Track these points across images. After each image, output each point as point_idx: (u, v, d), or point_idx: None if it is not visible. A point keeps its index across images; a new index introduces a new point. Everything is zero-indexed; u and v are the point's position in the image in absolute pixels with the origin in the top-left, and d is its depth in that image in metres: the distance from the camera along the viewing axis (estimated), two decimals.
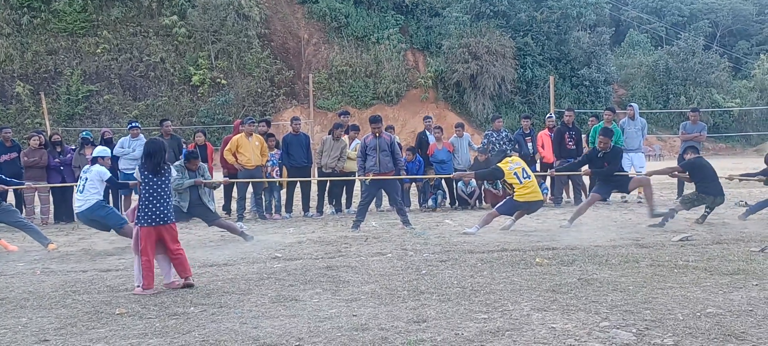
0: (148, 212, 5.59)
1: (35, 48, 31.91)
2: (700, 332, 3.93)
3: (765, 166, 9.61)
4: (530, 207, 8.83)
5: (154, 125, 20.91)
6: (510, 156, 9.17)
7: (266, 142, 11.27)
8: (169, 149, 11.13)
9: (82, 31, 32.89)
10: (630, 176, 9.90)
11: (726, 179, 10.41)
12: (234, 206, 11.52)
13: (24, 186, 10.16)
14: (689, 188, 10.03)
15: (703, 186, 9.04)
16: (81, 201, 7.99)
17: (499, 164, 8.87)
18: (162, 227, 5.62)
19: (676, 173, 9.79)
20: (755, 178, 9.67)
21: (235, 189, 11.50)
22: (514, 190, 8.67)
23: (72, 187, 11.48)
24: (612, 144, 9.43)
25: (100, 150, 8.43)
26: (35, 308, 5.10)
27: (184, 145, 12.20)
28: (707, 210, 9.14)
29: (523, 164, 8.93)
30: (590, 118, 13.91)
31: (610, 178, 9.28)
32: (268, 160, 11.28)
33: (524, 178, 8.67)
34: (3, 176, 9.32)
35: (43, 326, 4.55)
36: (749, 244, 7.10)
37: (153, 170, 5.65)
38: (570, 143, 12.09)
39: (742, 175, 10.06)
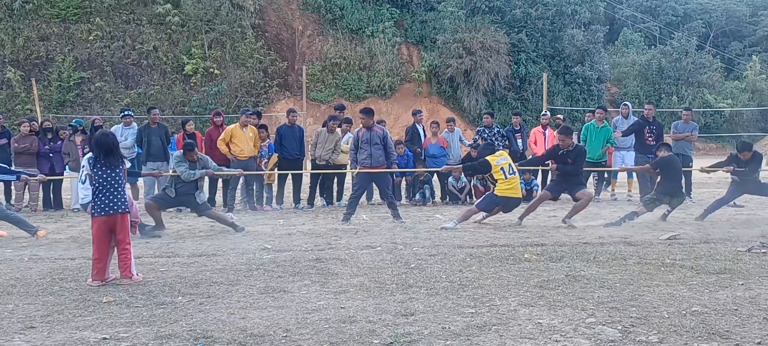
0: (101, 203, 5.58)
1: (27, 34, 31.64)
2: (685, 330, 3.96)
3: (733, 153, 9.74)
4: (508, 203, 8.85)
5: (146, 114, 20.87)
6: (498, 151, 9.20)
7: (259, 133, 11.26)
8: (157, 137, 11.14)
9: (75, 18, 32.63)
10: (584, 182, 9.61)
11: (698, 170, 10.78)
12: (219, 197, 11.50)
13: (36, 178, 10.04)
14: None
15: (664, 185, 9.11)
16: (87, 191, 7.92)
17: (487, 158, 8.85)
18: (115, 216, 5.60)
19: (650, 171, 9.90)
20: (723, 168, 9.85)
21: (220, 180, 11.49)
22: (496, 185, 8.70)
23: (62, 175, 11.48)
24: (575, 143, 9.40)
25: None
26: (22, 295, 5.08)
27: (173, 135, 12.18)
28: (668, 209, 9.22)
29: (510, 160, 8.95)
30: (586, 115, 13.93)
31: (566, 178, 9.05)
32: (259, 152, 11.26)
33: (510, 174, 8.72)
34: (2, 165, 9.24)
35: (29, 313, 4.54)
36: (736, 244, 7.15)
37: (104, 162, 5.65)
38: (650, 139, 11.68)
39: (711, 166, 10.31)
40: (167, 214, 10.04)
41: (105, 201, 5.58)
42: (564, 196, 9.54)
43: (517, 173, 8.91)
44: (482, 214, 9.03)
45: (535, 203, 9.29)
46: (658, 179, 9.48)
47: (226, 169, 9.74)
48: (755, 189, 9.71)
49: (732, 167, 9.58)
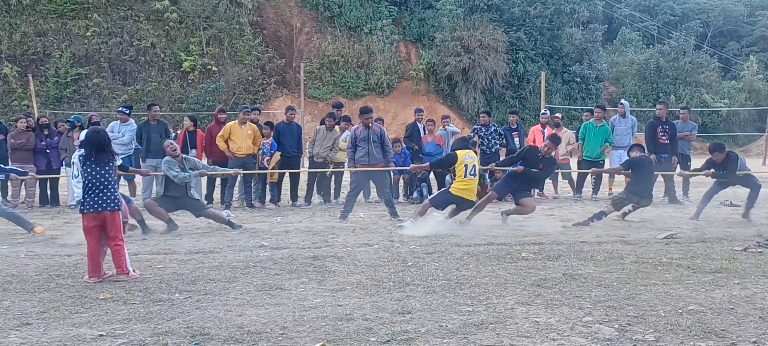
0: (90, 200, 5.58)
1: (24, 29, 31.53)
2: (681, 329, 3.97)
3: (709, 156, 9.66)
4: (461, 204, 8.80)
5: (144, 110, 20.89)
6: (470, 149, 9.11)
7: (261, 131, 11.22)
8: (156, 134, 11.12)
9: (72, 13, 32.54)
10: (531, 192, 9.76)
11: (677, 175, 10.99)
12: (216, 195, 11.48)
13: (27, 176, 9.99)
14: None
15: (633, 186, 9.14)
16: (80, 187, 7.91)
17: (457, 151, 8.79)
18: (105, 213, 5.59)
19: (621, 172, 9.96)
20: (702, 172, 9.86)
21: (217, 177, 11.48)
22: (454, 181, 8.69)
23: (58, 171, 11.45)
24: (553, 155, 9.41)
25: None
26: (18, 292, 5.07)
27: (171, 131, 12.16)
28: (632, 208, 9.25)
29: (476, 162, 8.87)
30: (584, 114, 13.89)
31: (521, 180, 9.06)
32: (260, 150, 11.23)
33: (470, 174, 8.68)
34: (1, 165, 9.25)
35: (25, 310, 4.53)
36: (733, 243, 7.16)
37: (95, 160, 5.64)
38: (663, 138, 11.51)
39: (690, 171, 10.39)
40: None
41: (94, 198, 5.57)
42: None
43: (476, 177, 8.87)
44: (439, 212, 8.96)
45: (482, 203, 9.17)
46: (628, 179, 9.55)
47: (220, 168, 9.68)
48: (743, 182, 9.65)
49: (711, 171, 9.58)
